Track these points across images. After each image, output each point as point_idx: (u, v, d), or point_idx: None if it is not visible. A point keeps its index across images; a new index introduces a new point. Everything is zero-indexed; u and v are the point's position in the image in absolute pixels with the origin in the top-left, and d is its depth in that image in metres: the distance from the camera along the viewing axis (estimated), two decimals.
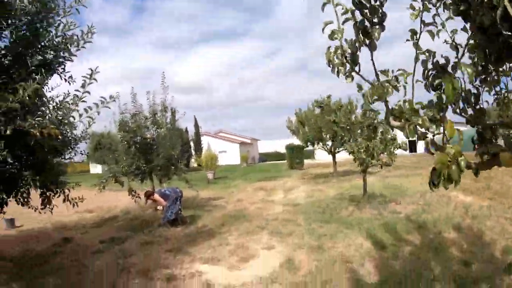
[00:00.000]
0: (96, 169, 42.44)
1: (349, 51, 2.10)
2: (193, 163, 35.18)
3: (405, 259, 5.69)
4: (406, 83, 2.03)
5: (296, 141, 32.12)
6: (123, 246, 7.34)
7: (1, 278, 5.66)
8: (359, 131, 10.82)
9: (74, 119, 4.47)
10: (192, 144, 40.29)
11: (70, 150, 5.83)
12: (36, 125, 3.56)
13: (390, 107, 2.05)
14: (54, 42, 4.80)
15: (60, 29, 4.73)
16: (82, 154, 6.21)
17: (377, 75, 2.06)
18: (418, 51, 2.00)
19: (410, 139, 2.06)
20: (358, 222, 8.02)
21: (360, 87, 2.31)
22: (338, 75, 2.17)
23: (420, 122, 1.82)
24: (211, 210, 11.08)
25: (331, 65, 2.17)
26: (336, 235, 7.19)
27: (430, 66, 1.97)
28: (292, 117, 19.80)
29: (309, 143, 18.84)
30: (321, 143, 18.63)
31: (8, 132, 3.35)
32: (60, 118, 4.48)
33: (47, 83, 6.14)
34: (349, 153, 9.86)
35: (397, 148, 9.90)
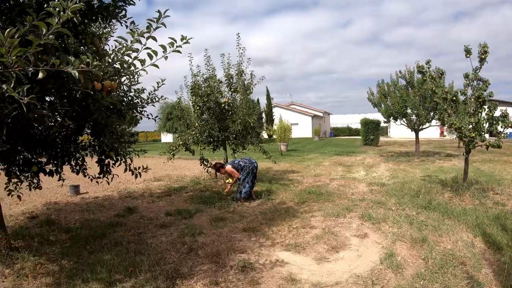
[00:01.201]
0: (167, 138, 43.38)
1: None
2: (264, 134, 34.38)
3: None
4: None
5: (372, 116, 30.36)
6: (191, 221, 6.53)
7: (53, 252, 5.05)
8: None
9: (135, 67, 3.51)
10: (263, 115, 39.44)
11: (136, 113, 5.01)
12: (83, 68, 2.61)
13: None
14: None
15: None
16: (148, 117, 5.40)
17: None
18: None
19: None
20: (461, 213, 6.55)
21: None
22: None
23: None
24: (288, 185, 10.04)
25: None
26: (439, 226, 5.82)
27: None
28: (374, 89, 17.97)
29: (391, 118, 17.01)
30: (404, 119, 16.71)
31: (40, 75, 2.42)
32: (118, 67, 3.52)
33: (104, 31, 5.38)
34: (455, 130, 8.18)
35: (508, 127, 7.92)
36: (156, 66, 3.25)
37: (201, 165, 9.92)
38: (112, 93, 4.00)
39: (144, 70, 3.40)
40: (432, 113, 15.58)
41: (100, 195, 9.24)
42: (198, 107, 9.25)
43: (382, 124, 27.78)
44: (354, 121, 59.77)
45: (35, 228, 6.24)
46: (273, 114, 40.79)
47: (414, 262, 4.55)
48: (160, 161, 15.17)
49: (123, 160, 4.80)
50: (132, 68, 3.47)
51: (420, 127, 16.81)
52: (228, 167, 8.21)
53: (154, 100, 5.20)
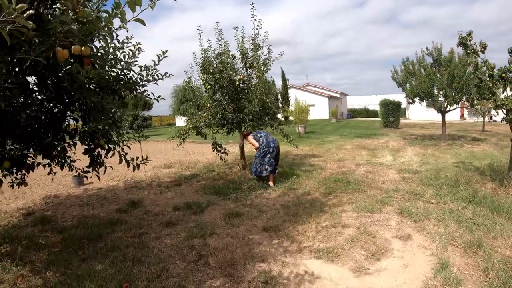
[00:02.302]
0: (181, 121, 42.59)
1: None
2: (279, 116, 33.22)
3: None
4: None
5: (390, 97, 28.98)
6: (201, 217, 5.66)
7: (39, 260, 4.24)
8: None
9: (111, 24, 2.59)
10: (279, 97, 38.21)
11: (135, 93, 4.14)
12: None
13: None
14: None
15: None
16: (150, 98, 4.53)
17: None
18: None
19: None
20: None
21: None
22: None
23: None
24: (310, 171, 9.10)
25: None
26: (492, 226, 4.85)
27: None
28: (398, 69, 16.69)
29: (417, 98, 15.77)
30: (431, 99, 15.47)
31: None
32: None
33: None
34: (507, 112, 7.08)
35: None
36: (141, 22, 2.33)
37: (213, 150, 9.01)
38: (94, 65, 3.11)
39: (124, 27, 2.48)
40: (460, 94, 14.41)
41: (105, 186, 8.44)
42: (209, 86, 8.25)
43: (403, 106, 26.60)
44: (371, 102, 58.35)
45: (27, 228, 5.48)
46: (289, 96, 39.49)
47: (472, 274, 3.63)
48: (171, 145, 14.32)
49: (120, 148, 3.95)
50: (105, 24, 2.53)
51: (448, 108, 15.65)
52: (250, 136, 8.17)
53: (157, 77, 4.38)
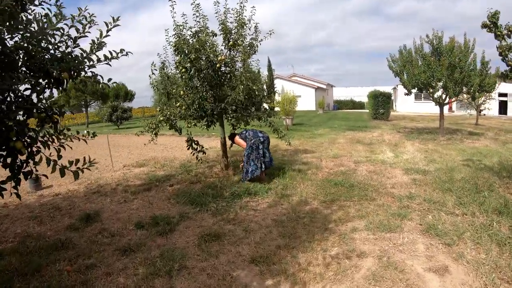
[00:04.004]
0: None
1: None
2: (265, 106, 31.80)
3: None
4: None
5: (378, 88, 27.86)
6: (170, 240, 4.30)
7: None
8: None
9: None
10: (265, 87, 36.80)
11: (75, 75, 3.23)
12: None
13: None
14: None
15: None
16: (98, 82, 3.47)
17: None
18: None
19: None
20: None
21: None
22: None
23: None
24: (304, 171, 7.79)
25: None
26: None
27: None
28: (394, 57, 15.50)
29: (416, 89, 14.61)
30: (431, 90, 14.35)
31: None
32: None
33: None
34: None
35: None
36: None
37: (188, 148, 7.52)
38: None
39: None
40: (460, 86, 13.39)
41: (63, 191, 7.01)
42: (184, 70, 6.67)
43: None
44: (357, 94, 58.00)
45: None
46: (275, 86, 38.06)
47: None
48: (143, 140, 12.88)
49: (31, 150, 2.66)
50: None
51: (446, 101, 14.61)
52: (236, 137, 7.31)
53: (109, 55, 3.38)
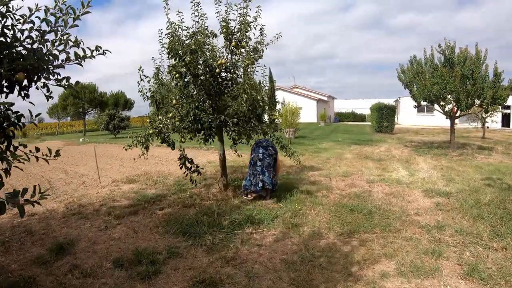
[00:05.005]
0: None
1: None
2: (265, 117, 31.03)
3: None
4: None
5: (378, 101, 27.11)
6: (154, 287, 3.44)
7: None
8: None
9: None
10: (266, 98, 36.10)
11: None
12: None
13: None
14: None
15: None
16: (62, 85, 2.88)
17: None
18: None
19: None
20: None
21: None
22: None
23: None
24: (313, 193, 6.86)
25: None
26: None
27: None
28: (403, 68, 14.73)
29: (427, 101, 13.79)
30: (442, 103, 13.54)
31: None
32: None
33: None
34: None
35: None
36: None
37: (181, 167, 6.47)
38: None
39: None
40: (472, 98, 12.61)
41: (41, 210, 6.13)
42: (178, 75, 5.79)
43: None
44: (358, 106, 57.40)
45: None
46: (276, 98, 37.36)
47: None
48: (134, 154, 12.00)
49: None
50: None
51: (458, 114, 13.81)
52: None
53: (80, 54, 2.88)
